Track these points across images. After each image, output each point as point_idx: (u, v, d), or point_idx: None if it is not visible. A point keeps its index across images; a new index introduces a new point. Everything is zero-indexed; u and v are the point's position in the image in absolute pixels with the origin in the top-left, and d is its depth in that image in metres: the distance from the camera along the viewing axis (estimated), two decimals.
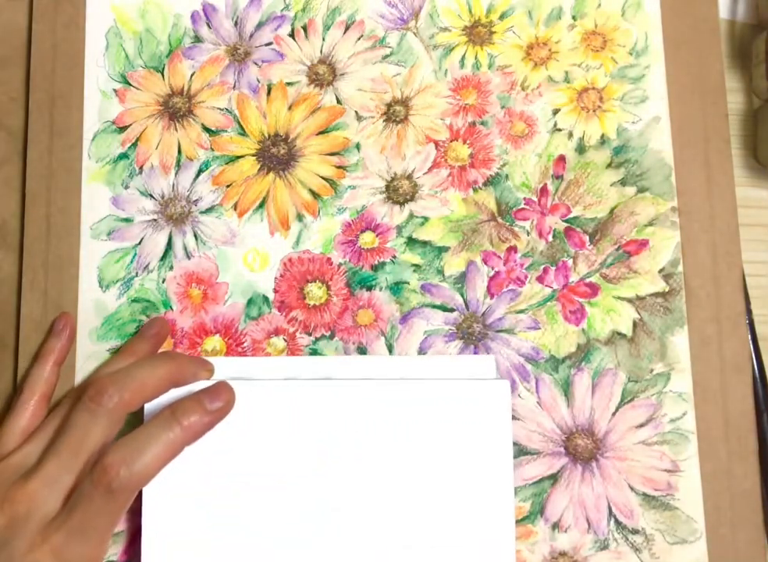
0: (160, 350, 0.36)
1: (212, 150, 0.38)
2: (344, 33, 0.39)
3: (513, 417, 0.36)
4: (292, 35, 0.39)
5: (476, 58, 0.39)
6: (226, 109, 0.39)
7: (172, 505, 0.34)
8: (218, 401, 0.32)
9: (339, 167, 0.38)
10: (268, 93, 0.39)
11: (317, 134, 0.39)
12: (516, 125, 0.39)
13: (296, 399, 0.34)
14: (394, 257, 0.37)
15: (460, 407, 0.34)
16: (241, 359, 0.36)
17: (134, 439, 0.31)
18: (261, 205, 0.38)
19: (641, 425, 0.36)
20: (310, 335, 0.37)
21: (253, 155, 0.38)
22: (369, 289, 0.37)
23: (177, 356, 0.35)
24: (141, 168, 0.38)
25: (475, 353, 0.37)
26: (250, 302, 0.37)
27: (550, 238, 0.38)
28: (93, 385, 0.32)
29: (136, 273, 0.37)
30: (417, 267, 0.37)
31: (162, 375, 0.33)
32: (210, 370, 0.35)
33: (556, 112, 0.39)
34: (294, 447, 0.34)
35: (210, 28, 0.39)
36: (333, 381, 0.35)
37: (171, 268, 0.37)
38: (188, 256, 0.37)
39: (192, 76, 0.39)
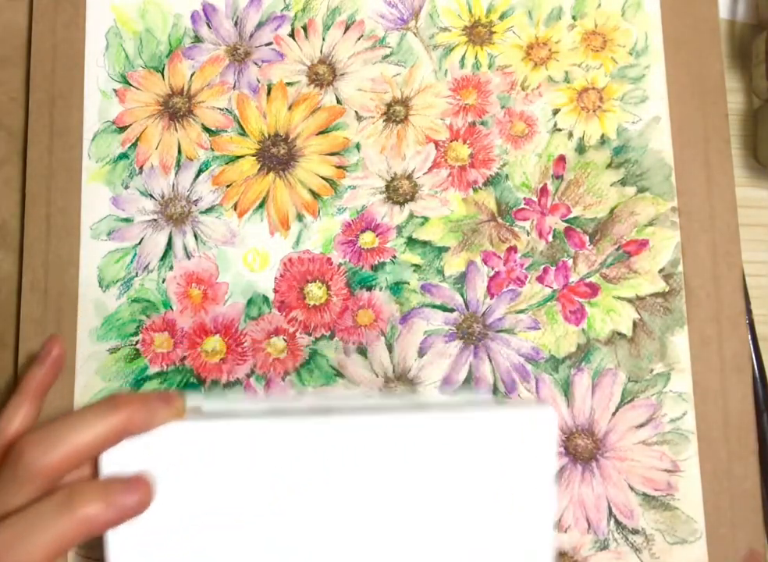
0: (115, 393, 0.30)
1: (212, 150, 0.38)
2: (344, 33, 0.39)
3: None
4: (292, 35, 0.39)
5: (476, 58, 0.39)
6: (226, 109, 0.39)
7: (139, 551, 0.29)
8: (128, 496, 0.27)
9: (339, 167, 0.38)
10: (268, 93, 0.39)
11: (317, 134, 0.39)
12: (516, 125, 0.39)
13: (294, 439, 0.29)
14: (394, 257, 0.37)
15: (494, 441, 0.30)
16: (229, 398, 0.33)
17: (19, 520, 0.26)
18: (261, 205, 0.38)
19: (641, 425, 0.36)
20: (310, 335, 0.37)
21: (253, 155, 0.38)
22: (369, 289, 0.37)
23: (127, 400, 0.28)
24: (141, 168, 0.38)
25: (476, 353, 0.37)
26: (250, 302, 0.37)
27: (550, 238, 0.38)
28: (14, 446, 0.27)
29: (136, 273, 0.37)
30: (417, 267, 0.37)
31: (101, 431, 0.27)
32: (178, 408, 0.29)
33: (556, 112, 0.39)
34: (297, 491, 0.29)
35: (210, 28, 0.39)
36: (339, 417, 0.30)
37: (171, 268, 0.37)
38: (188, 256, 0.37)
39: (192, 76, 0.39)
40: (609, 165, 0.38)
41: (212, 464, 0.29)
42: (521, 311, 0.37)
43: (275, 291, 0.37)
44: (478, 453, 0.30)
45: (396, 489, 0.30)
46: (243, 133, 0.38)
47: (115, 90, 0.39)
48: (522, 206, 0.38)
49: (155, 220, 0.38)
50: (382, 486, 0.29)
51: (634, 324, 0.37)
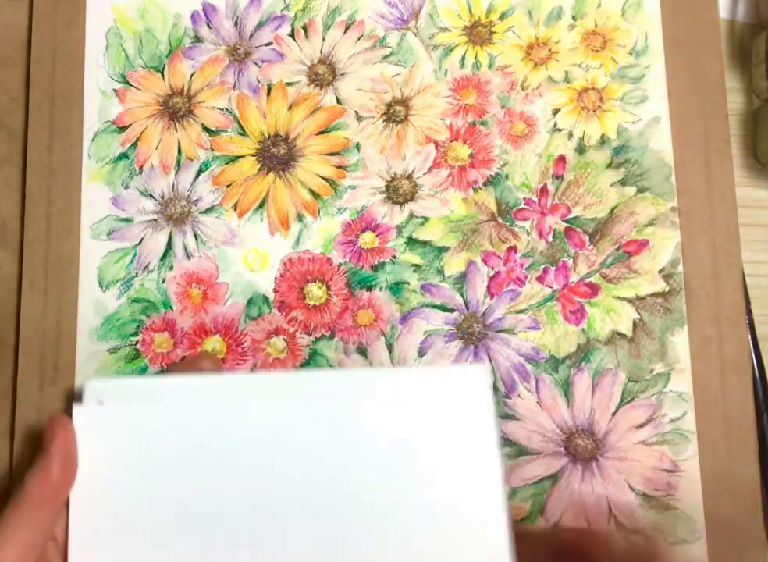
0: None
1: (212, 150, 0.38)
2: (344, 33, 0.39)
3: (513, 418, 0.36)
4: (292, 35, 0.39)
5: (476, 58, 0.39)
6: (226, 109, 0.39)
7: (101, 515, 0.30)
8: None
9: (339, 167, 0.38)
10: (268, 93, 0.39)
11: (317, 134, 0.39)
12: (516, 125, 0.39)
13: (246, 397, 0.30)
14: (394, 257, 0.37)
15: (433, 399, 0.30)
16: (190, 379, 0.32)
17: None
18: (261, 205, 0.38)
19: (641, 425, 0.36)
20: (310, 335, 0.37)
21: (253, 155, 0.38)
22: (369, 289, 0.37)
23: None
24: (141, 168, 0.38)
25: (476, 353, 0.37)
26: (250, 302, 0.37)
27: (550, 238, 0.38)
28: None
29: (136, 273, 0.37)
30: (417, 267, 0.37)
31: None
32: None
33: (556, 112, 0.39)
34: (250, 452, 0.30)
35: (210, 28, 0.39)
36: (290, 374, 0.31)
37: (171, 268, 0.37)
38: (188, 256, 0.37)
39: (192, 76, 0.39)
40: (609, 165, 0.38)
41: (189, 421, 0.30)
42: (521, 311, 0.37)
43: (275, 291, 0.37)
44: (416, 409, 0.30)
45: (334, 447, 0.30)
46: (243, 133, 0.38)
47: (115, 90, 0.39)
48: (522, 206, 0.38)
49: (155, 220, 0.38)
50: (320, 443, 0.30)
51: (634, 324, 0.37)
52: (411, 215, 0.38)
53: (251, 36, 0.39)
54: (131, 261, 0.37)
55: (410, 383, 0.31)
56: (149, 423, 0.30)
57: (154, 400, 0.30)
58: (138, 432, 0.30)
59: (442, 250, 0.38)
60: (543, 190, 0.38)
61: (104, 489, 0.29)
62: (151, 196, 0.38)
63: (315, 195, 0.38)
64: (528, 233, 0.38)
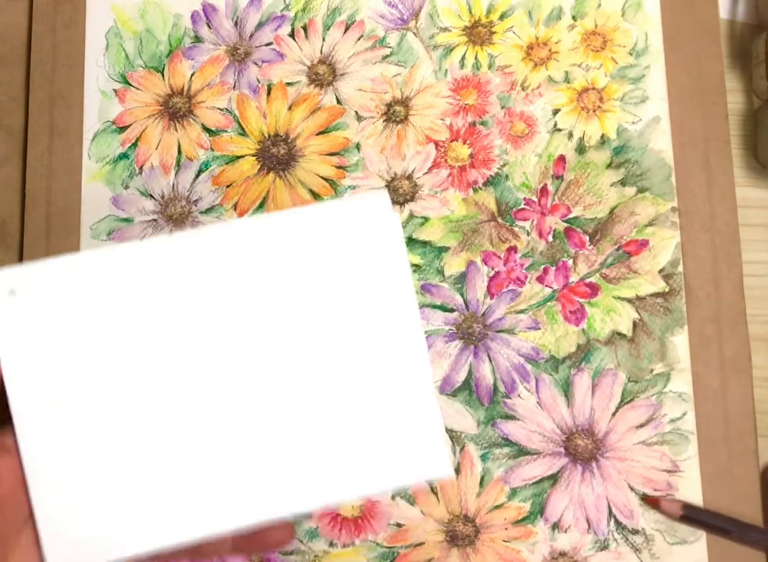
0: None
1: (212, 150, 0.38)
2: (344, 33, 0.39)
3: (513, 418, 0.36)
4: (292, 35, 0.39)
5: (476, 58, 0.39)
6: (226, 109, 0.39)
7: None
8: None
9: (339, 167, 0.38)
10: (268, 93, 0.39)
11: (317, 134, 0.39)
12: (516, 125, 0.39)
13: (155, 262, 0.27)
14: None
15: (339, 234, 0.28)
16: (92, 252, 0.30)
17: None
18: (261, 205, 0.38)
19: (641, 426, 0.36)
20: None
21: (253, 155, 0.38)
22: None
23: None
24: (141, 168, 0.38)
25: (476, 353, 0.37)
26: None
27: (550, 238, 0.38)
28: None
29: None
30: (417, 267, 0.37)
31: None
32: None
33: (556, 112, 0.39)
34: (175, 319, 0.28)
35: (210, 28, 0.39)
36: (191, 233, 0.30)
37: None
38: None
39: (192, 76, 0.39)
40: (609, 166, 0.38)
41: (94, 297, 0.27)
42: (521, 311, 0.37)
43: None
44: (318, 251, 0.28)
45: (247, 300, 0.28)
46: (243, 133, 0.38)
47: (115, 90, 0.39)
48: (522, 206, 0.38)
49: (155, 220, 0.38)
50: (240, 296, 0.28)
51: (634, 324, 0.37)
52: (411, 215, 0.38)
53: (251, 36, 0.39)
54: None
55: (312, 226, 0.28)
56: (69, 306, 0.28)
57: (71, 280, 0.28)
58: (58, 318, 0.28)
59: (442, 250, 0.38)
60: (543, 190, 0.38)
61: (34, 384, 0.27)
62: (151, 196, 0.38)
63: (315, 195, 0.38)
64: (528, 233, 0.38)
